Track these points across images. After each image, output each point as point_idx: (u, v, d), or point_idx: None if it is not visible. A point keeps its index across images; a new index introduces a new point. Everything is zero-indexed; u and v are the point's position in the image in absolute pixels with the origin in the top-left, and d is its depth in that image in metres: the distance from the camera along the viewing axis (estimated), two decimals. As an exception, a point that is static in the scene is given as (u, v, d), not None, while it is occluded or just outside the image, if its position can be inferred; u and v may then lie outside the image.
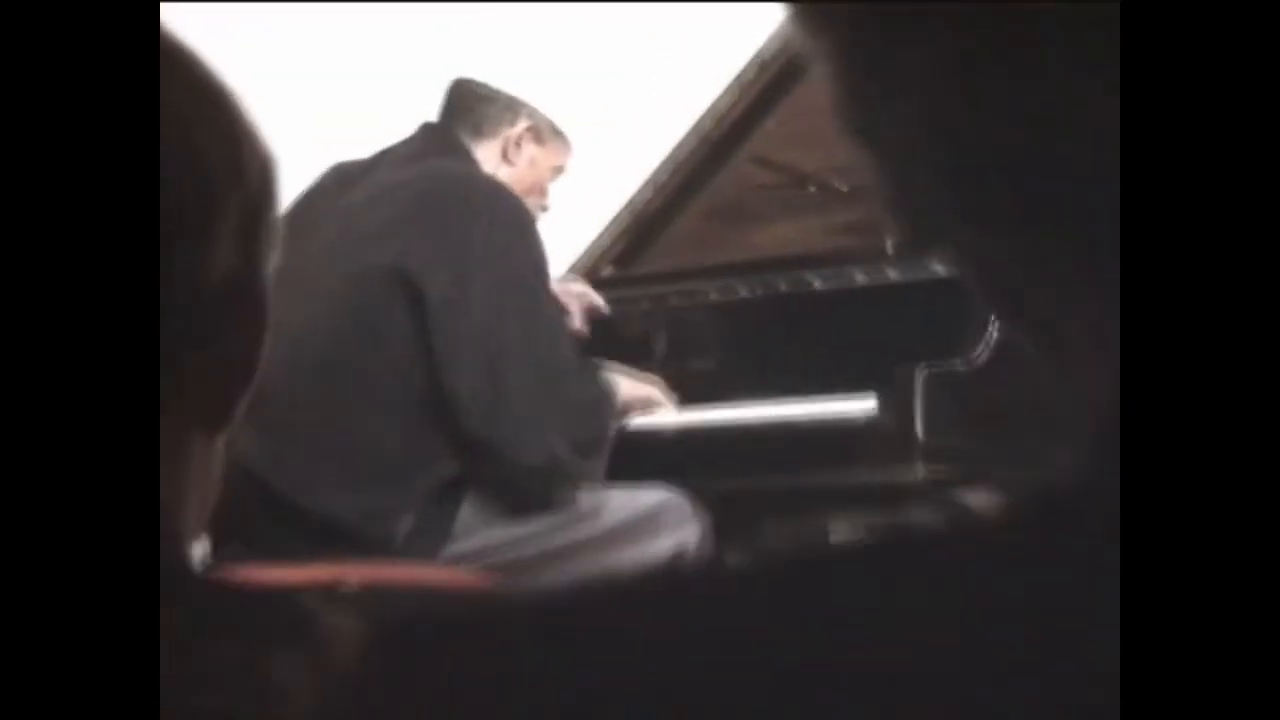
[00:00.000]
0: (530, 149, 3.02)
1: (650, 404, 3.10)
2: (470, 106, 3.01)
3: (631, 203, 3.62)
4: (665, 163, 3.58)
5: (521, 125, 3.01)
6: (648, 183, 3.60)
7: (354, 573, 2.59)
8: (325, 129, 3.44)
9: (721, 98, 3.47)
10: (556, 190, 3.17)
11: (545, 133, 3.03)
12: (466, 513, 2.81)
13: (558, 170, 3.06)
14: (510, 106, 3.01)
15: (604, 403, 2.92)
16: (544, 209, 3.08)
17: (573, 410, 2.81)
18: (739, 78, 3.44)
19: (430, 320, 2.72)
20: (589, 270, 3.60)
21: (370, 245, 2.78)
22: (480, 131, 3.00)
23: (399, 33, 4.12)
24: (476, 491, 2.80)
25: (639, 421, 3.07)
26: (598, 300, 3.24)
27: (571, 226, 3.51)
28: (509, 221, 2.81)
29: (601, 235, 3.65)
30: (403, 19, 4.13)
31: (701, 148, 3.52)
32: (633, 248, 3.64)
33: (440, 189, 2.84)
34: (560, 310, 2.98)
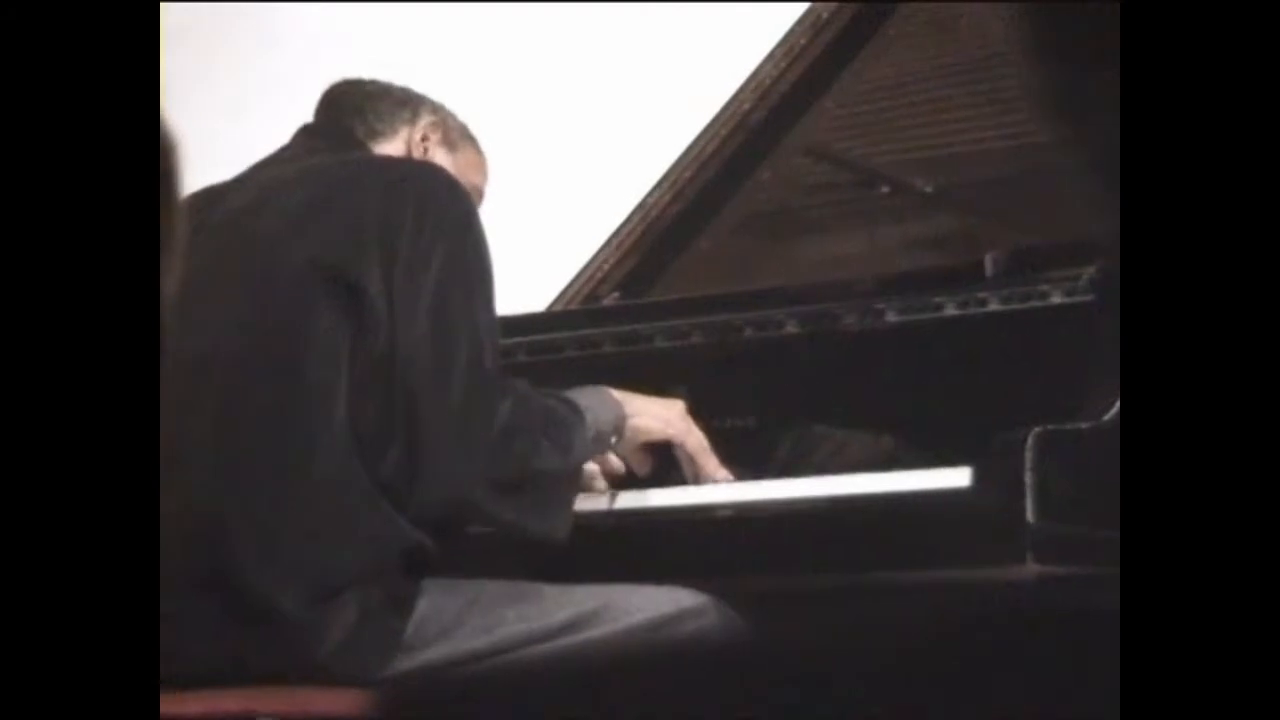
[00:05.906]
0: (439, 155, 2.91)
1: (662, 427, 2.91)
2: (358, 106, 2.95)
3: (643, 208, 3.51)
4: (686, 155, 3.47)
5: (423, 121, 2.92)
6: (663, 182, 3.49)
7: (268, 702, 2.48)
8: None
9: (763, 68, 3.36)
10: (548, 193, 3.20)
11: (456, 137, 2.94)
12: (430, 605, 2.58)
13: (473, 192, 2.89)
14: (406, 101, 2.95)
15: (541, 428, 2.73)
16: None
17: (491, 439, 2.67)
18: (786, 41, 3.34)
19: (371, 324, 2.59)
20: (586, 297, 3.50)
21: (276, 245, 2.67)
22: (375, 131, 2.93)
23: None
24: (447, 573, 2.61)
25: (638, 500, 2.94)
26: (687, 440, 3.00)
27: (564, 240, 3.59)
28: (447, 206, 2.68)
29: (603, 251, 3.55)
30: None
31: (736, 135, 3.43)
32: (644, 268, 3.57)
33: (353, 169, 2.75)
34: (494, 324, 2.81)
